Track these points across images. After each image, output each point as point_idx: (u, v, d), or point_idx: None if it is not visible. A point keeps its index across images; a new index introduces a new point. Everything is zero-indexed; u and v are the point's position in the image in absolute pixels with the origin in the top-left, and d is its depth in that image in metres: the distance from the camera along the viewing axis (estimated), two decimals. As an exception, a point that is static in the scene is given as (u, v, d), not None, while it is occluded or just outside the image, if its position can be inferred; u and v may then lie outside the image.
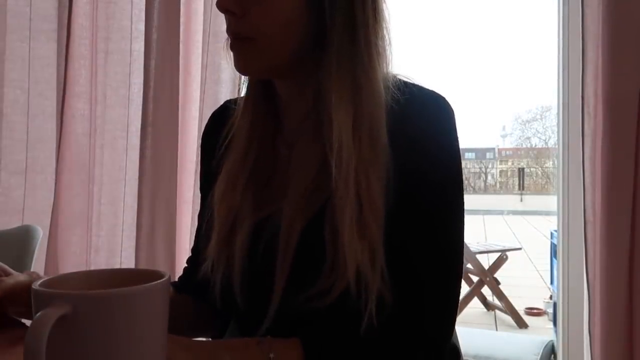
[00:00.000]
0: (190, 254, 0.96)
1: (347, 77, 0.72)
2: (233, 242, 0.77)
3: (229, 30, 0.74)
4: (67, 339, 0.46)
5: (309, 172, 0.74)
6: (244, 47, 0.73)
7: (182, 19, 1.95)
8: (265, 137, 0.81)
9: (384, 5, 0.75)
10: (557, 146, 1.89)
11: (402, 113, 0.73)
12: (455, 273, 0.75)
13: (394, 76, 0.77)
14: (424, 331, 0.72)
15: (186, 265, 0.96)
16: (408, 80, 0.78)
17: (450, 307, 0.75)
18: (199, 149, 1.91)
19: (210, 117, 0.96)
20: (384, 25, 0.75)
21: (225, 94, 1.89)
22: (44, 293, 0.48)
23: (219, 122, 0.88)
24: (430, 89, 0.77)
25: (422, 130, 0.74)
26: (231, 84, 1.90)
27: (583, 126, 1.64)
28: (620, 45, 1.54)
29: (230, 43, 0.74)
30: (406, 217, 0.72)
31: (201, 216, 0.92)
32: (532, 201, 22.57)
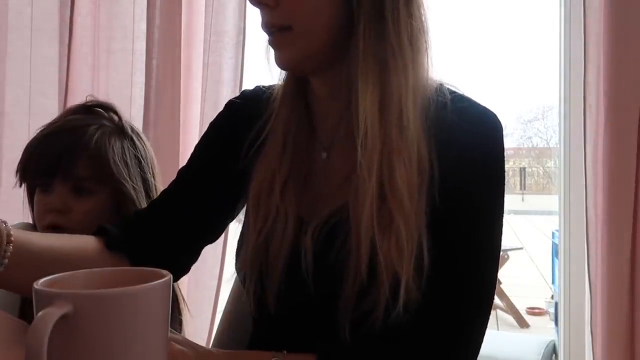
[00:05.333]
0: (147, 207, 0.90)
1: (374, 58, 0.70)
2: (271, 246, 0.75)
3: (264, 25, 0.74)
4: (69, 339, 0.46)
5: (346, 177, 0.72)
6: (283, 38, 0.72)
7: (183, 18, 1.95)
8: (300, 141, 0.79)
9: None
10: (558, 146, 1.89)
11: (454, 124, 0.71)
12: (489, 296, 0.74)
13: (442, 84, 0.75)
14: (452, 342, 0.71)
15: (127, 217, 0.90)
16: (458, 91, 0.76)
17: (481, 322, 0.72)
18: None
19: (228, 105, 0.92)
20: (416, 3, 0.72)
21: (226, 94, 1.89)
22: (45, 292, 0.48)
23: (249, 110, 0.86)
24: (483, 104, 0.76)
25: (472, 147, 0.72)
26: (233, 83, 1.90)
27: (585, 126, 1.64)
28: (622, 44, 1.53)
29: (269, 39, 0.74)
30: (446, 228, 0.70)
31: (181, 171, 0.89)
32: (534, 201, 22.54)
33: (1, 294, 1.09)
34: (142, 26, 1.98)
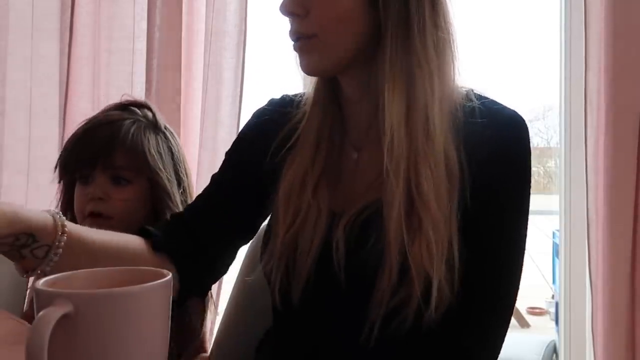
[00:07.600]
0: (184, 211, 0.92)
1: (400, 67, 0.72)
2: (301, 240, 0.77)
3: (291, 33, 0.76)
4: (69, 338, 0.46)
5: (377, 176, 0.74)
6: (308, 45, 0.75)
7: (184, 18, 1.95)
8: (333, 140, 0.82)
9: None
10: (559, 146, 1.88)
11: (484, 128, 0.74)
12: (514, 296, 0.76)
13: (471, 90, 0.78)
14: (483, 341, 0.73)
15: (169, 219, 0.91)
16: (488, 97, 0.79)
17: (502, 327, 0.75)
18: (201, 148, 1.91)
19: (256, 112, 0.93)
20: (442, 15, 0.75)
21: (227, 94, 1.89)
22: (46, 292, 0.48)
23: (277, 115, 0.87)
24: (511, 108, 0.79)
25: (502, 148, 0.75)
26: (233, 83, 1.90)
27: (585, 125, 1.63)
28: (623, 44, 1.53)
29: (294, 44, 0.76)
30: (477, 229, 0.73)
31: (214, 177, 0.92)
32: (534, 200, 22.40)
33: (6, 291, 1.10)
34: (143, 26, 1.98)
